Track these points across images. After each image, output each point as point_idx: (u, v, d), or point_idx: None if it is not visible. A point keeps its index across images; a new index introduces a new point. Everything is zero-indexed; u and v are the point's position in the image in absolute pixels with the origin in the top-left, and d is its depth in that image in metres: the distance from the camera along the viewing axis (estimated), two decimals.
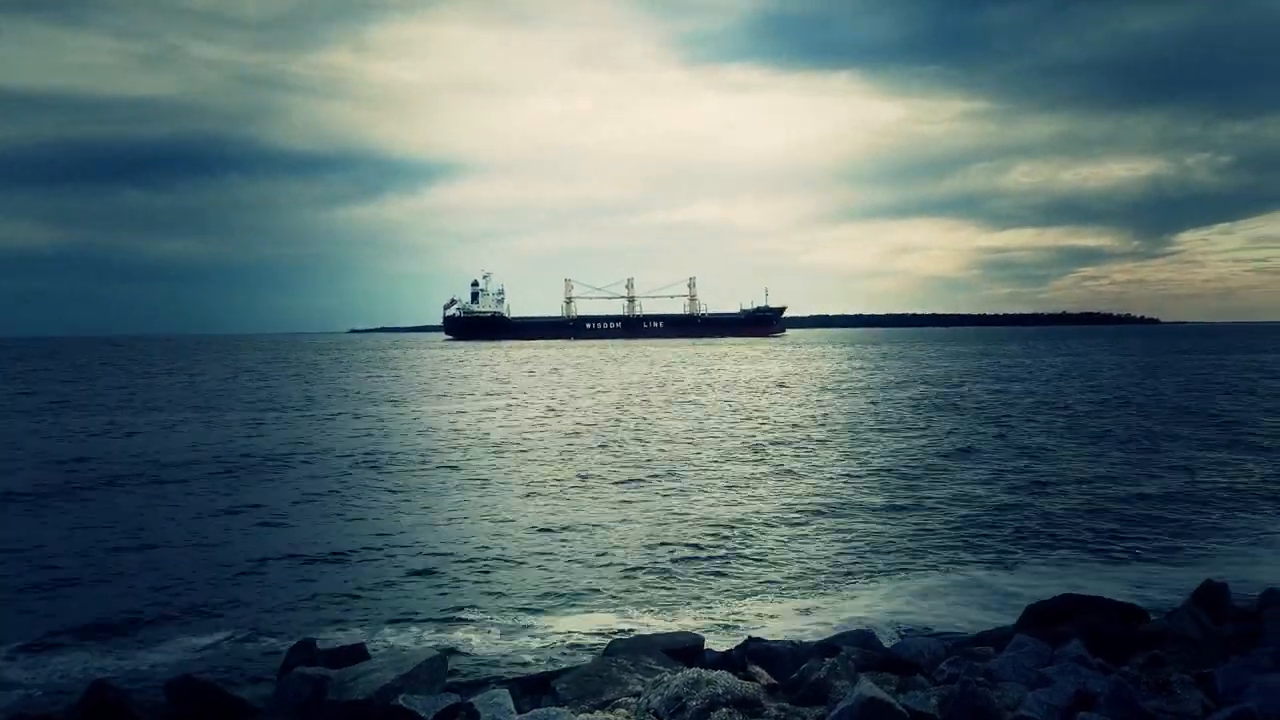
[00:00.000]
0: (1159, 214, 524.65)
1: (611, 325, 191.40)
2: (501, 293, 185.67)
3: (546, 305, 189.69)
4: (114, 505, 19.48)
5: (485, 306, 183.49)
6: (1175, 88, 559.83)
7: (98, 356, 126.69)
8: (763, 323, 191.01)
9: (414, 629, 11.45)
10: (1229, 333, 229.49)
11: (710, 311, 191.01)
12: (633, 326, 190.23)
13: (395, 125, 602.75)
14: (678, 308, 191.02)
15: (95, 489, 21.37)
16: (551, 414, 39.36)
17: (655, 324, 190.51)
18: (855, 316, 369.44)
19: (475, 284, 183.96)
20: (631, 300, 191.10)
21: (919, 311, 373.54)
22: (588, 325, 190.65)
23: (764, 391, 51.48)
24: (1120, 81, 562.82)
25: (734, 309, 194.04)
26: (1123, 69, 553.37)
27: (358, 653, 9.12)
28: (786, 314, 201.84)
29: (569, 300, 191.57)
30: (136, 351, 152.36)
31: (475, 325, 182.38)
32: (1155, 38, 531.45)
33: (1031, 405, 41.57)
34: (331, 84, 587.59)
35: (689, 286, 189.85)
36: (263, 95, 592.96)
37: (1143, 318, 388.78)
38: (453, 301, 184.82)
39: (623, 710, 7.31)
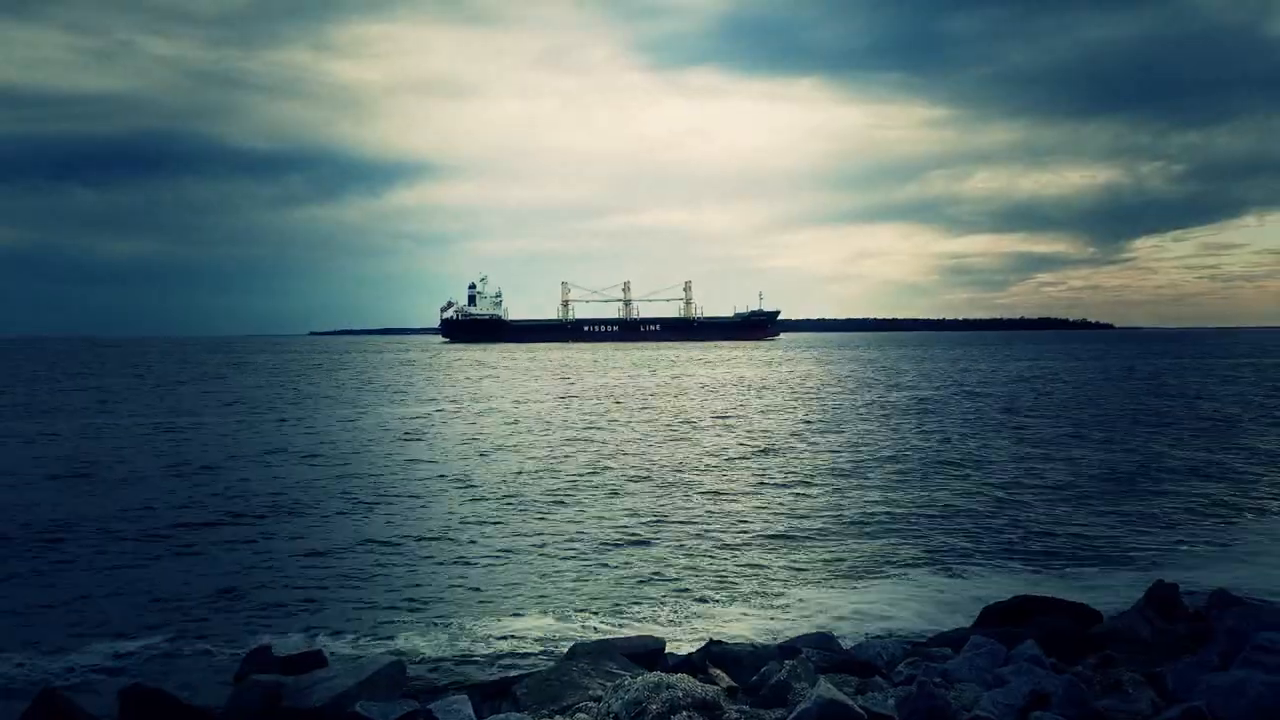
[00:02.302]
0: (1114, 221, 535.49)
1: (609, 328, 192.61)
2: (499, 295, 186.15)
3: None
4: (62, 506, 19.09)
5: (483, 309, 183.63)
6: (1130, 97, 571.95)
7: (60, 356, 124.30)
8: (757, 326, 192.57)
9: (372, 635, 11.35)
10: (1181, 338, 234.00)
11: (705, 315, 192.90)
12: (630, 329, 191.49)
13: (354, 125, 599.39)
14: (673, 311, 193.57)
15: (44, 488, 20.97)
16: (519, 417, 39.23)
17: (652, 327, 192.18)
18: (818, 321, 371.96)
19: (472, 286, 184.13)
20: (628, 303, 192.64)
21: (879, 316, 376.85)
22: (585, 328, 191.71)
23: (735, 395, 51.69)
24: (1077, 90, 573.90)
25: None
26: (1080, 78, 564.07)
27: (315, 660, 9.01)
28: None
29: (565, 303, 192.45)
30: (101, 353, 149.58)
31: (473, 328, 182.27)
32: (1111, 48, 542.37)
33: (990, 409, 42.10)
34: (289, 82, 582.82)
35: (685, 290, 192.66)
36: (218, 93, 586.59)
37: (1097, 323, 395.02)
38: (450, 304, 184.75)
39: (583, 714, 7.30)
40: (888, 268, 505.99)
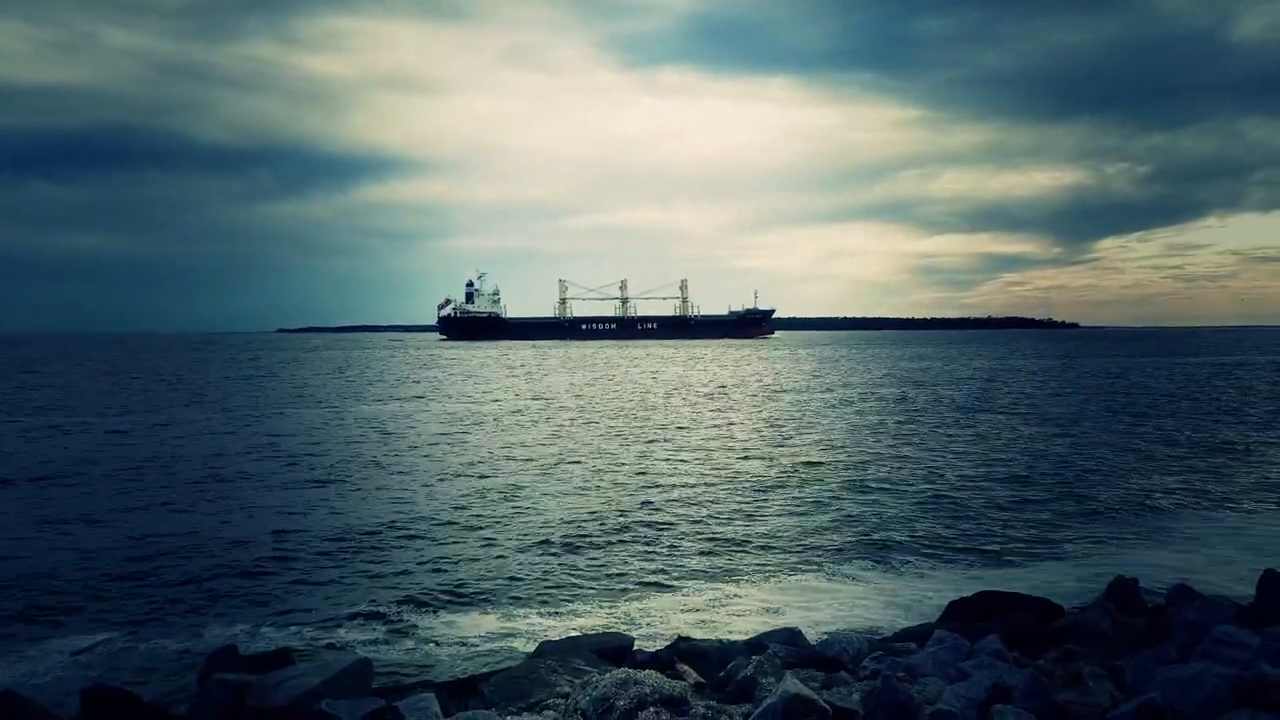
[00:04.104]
0: (1080, 222, 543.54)
1: (607, 326, 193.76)
2: (497, 293, 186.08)
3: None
4: (22, 505, 18.81)
5: (481, 307, 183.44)
6: (1098, 100, 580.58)
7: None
8: (752, 325, 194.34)
9: (339, 633, 11.28)
10: (1145, 337, 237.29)
11: (701, 314, 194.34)
12: (628, 328, 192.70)
13: (321, 120, 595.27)
14: (669, 309, 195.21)
15: (10, 488, 20.66)
16: (487, 413, 39.09)
17: (649, 325, 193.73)
18: (789, 319, 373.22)
19: (470, 284, 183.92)
20: (625, 301, 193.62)
21: (850, 315, 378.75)
22: (583, 326, 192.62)
23: (706, 392, 51.80)
24: (1046, 93, 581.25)
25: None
26: (1048, 81, 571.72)
27: (281, 658, 8.95)
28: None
29: (563, 301, 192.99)
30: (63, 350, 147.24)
31: (472, 325, 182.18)
32: (1080, 52, 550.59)
33: (953, 407, 42.49)
34: (255, 76, 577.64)
35: (681, 289, 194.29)
36: (182, 86, 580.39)
37: (1063, 323, 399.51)
38: (448, 301, 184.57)
39: (551, 712, 7.30)
40: (859, 267, 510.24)
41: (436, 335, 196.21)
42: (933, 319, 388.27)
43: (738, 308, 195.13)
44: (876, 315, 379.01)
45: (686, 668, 8.52)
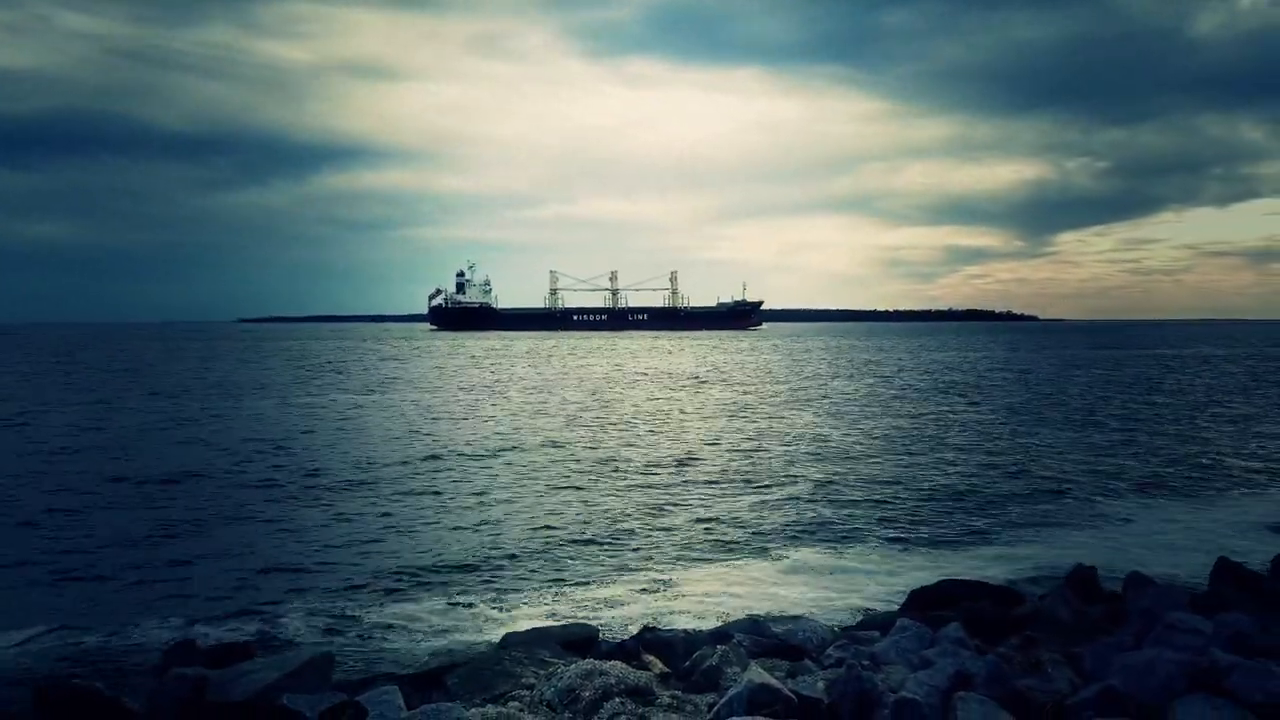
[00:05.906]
0: (1040, 216, 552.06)
1: (598, 317, 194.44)
2: (488, 283, 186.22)
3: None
4: None
5: (472, 297, 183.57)
6: (1060, 95, 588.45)
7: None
8: (741, 316, 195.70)
9: (299, 627, 11.16)
10: (1105, 330, 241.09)
11: (691, 305, 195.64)
12: (618, 319, 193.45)
13: (282, 107, 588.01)
14: (658, 300, 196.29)
15: None
16: (453, 408, 38.87)
17: (640, 316, 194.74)
18: (765, 312, 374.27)
19: (460, 274, 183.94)
20: (615, 293, 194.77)
21: (817, 307, 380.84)
22: (575, 317, 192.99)
23: (669, 383, 51.87)
24: (1009, 87, 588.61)
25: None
26: (1011, 75, 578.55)
27: (240, 652, 8.84)
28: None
29: (554, 292, 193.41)
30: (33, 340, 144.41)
31: (463, 316, 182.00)
32: (1041, 47, 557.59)
33: (915, 396, 42.89)
34: (214, 62, 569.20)
35: (670, 281, 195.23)
36: (139, 71, 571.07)
37: (1023, 315, 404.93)
38: (438, 291, 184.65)
39: (515, 703, 7.27)
40: (825, 260, 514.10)
41: (426, 325, 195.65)
42: (897, 311, 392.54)
43: (725, 299, 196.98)
44: (843, 307, 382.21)
45: (652, 658, 8.53)
